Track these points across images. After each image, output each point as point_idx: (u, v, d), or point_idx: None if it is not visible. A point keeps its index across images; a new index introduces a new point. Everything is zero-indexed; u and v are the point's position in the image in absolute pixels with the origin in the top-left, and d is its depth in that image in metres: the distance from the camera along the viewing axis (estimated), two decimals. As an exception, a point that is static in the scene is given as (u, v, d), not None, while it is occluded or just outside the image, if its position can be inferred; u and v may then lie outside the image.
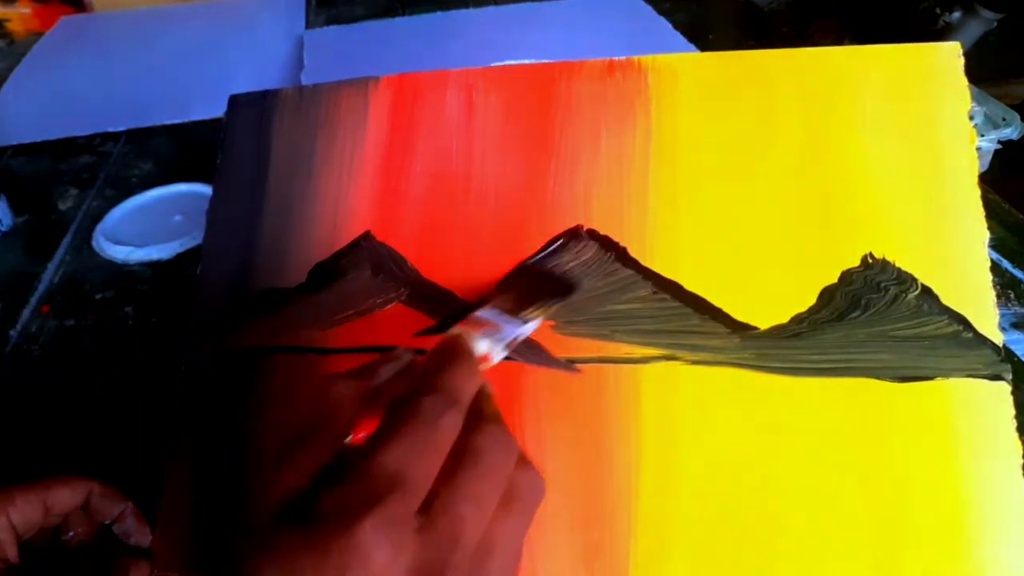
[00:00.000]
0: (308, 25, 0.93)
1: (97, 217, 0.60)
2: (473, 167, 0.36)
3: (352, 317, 0.35)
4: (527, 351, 0.32)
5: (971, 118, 0.33)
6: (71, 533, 0.30)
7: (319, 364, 0.34)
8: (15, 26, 1.00)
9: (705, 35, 0.84)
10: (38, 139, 0.73)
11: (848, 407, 0.30)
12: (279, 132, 0.39)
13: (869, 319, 0.31)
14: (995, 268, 0.34)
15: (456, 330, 0.25)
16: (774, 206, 0.33)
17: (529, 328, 0.28)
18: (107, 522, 0.31)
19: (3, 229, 0.60)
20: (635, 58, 0.36)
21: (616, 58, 0.37)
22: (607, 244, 0.34)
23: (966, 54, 0.34)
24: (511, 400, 0.32)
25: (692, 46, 0.79)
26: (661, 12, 0.86)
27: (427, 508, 0.19)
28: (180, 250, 0.56)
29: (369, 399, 0.23)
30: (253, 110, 0.40)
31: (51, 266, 0.57)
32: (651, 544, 0.30)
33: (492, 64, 0.39)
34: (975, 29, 0.99)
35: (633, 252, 0.34)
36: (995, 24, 0.99)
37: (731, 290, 0.32)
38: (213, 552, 0.23)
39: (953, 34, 0.98)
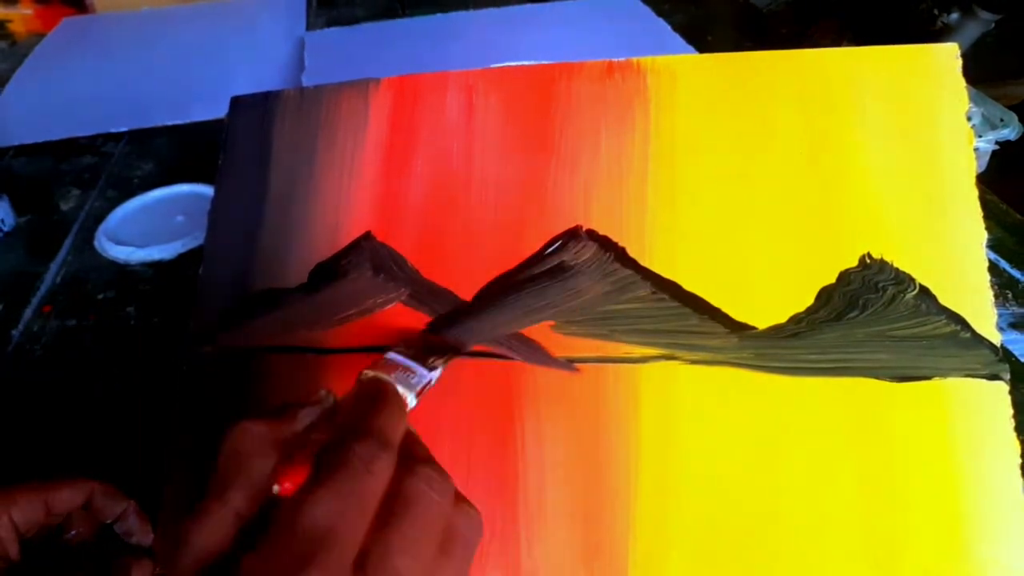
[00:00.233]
0: (309, 27, 0.93)
1: (99, 217, 0.61)
2: (473, 168, 0.37)
3: (352, 317, 0.35)
4: (527, 351, 0.33)
5: (969, 119, 0.33)
6: (72, 532, 0.30)
7: (319, 364, 0.34)
8: (17, 27, 1.00)
9: (704, 36, 0.84)
10: (40, 140, 0.74)
11: (846, 407, 0.30)
12: (280, 133, 0.39)
13: (867, 319, 0.31)
14: (993, 268, 0.34)
15: (371, 373, 0.25)
16: (772, 206, 0.33)
17: (434, 377, 0.27)
18: (108, 521, 0.31)
19: (5, 229, 0.60)
20: (634, 59, 0.37)
21: (615, 59, 0.37)
22: (606, 244, 0.34)
23: (964, 55, 0.34)
24: (511, 400, 0.32)
25: (691, 47, 0.79)
26: (660, 13, 0.86)
27: (362, 564, 0.18)
28: (182, 250, 0.56)
29: (292, 445, 0.22)
30: (254, 111, 0.40)
31: (53, 266, 0.57)
32: (650, 543, 0.30)
33: (492, 65, 0.39)
34: (973, 30, 0.99)
35: (632, 252, 0.34)
36: (993, 25, 0.99)
37: (730, 290, 0.32)
38: None
39: (951, 35, 0.98)
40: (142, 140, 0.73)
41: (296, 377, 0.34)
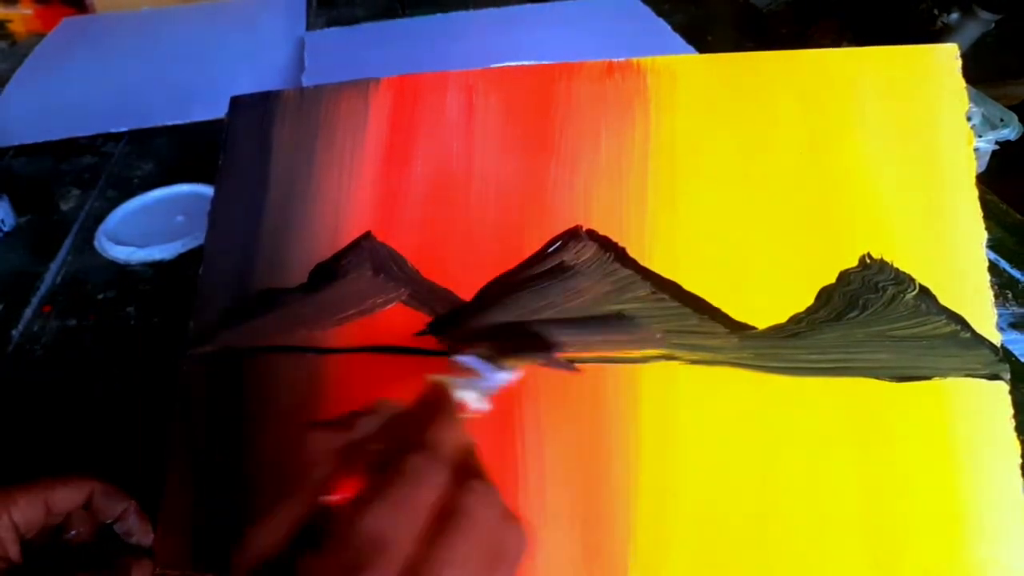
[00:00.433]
0: (309, 27, 0.93)
1: (99, 217, 0.61)
2: (473, 168, 0.37)
3: (353, 317, 0.35)
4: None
5: (969, 119, 0.33)
6: (73, 532, 0.30)
7: (319, 364, 0.34)
8: (17, 27, 1.00)
9: (704, 36, 0.84)
10: (40, 140, 0.73)
11: (846, 407, 0.30)
12: (280, 133, 0.39)
13: (867, 319, 0.31)
14: (993, 268, 0.34)
15: (438, 377, 0.25)
16: (772, 206, 0.33)
17: (508, 378, 0.28)
18: (108, 521, 0.31)
19: (5, 229, 0.60)
20: (634, 60, 0.37)
21: (615, 59, 0.37)
22: (606, 244, 0.34)
23: (964, 55, 0.34)
24: (511, 400, 0.32)
25: (691, 47, 0.79)
26: (660, 13, 0.86)
27: (412, 574, 0.19)
28: (182, 250, 0.56)
29: (349, 454, 0.22)
30: (254, 111, 0.40)
31: (53, 266, 0.57)
32: (650, 544, 0.30)
33: (492, 65, 0.39)
34: (973, 30, 0.99)
35: (632, 252, 0.34)
36: (993, 25, 0.99)
37: (729, 290, 0.32)
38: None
39: (951, 35, 0.98)
40: (142, 140, 0.73)
41: (296, 377, 0.34)
